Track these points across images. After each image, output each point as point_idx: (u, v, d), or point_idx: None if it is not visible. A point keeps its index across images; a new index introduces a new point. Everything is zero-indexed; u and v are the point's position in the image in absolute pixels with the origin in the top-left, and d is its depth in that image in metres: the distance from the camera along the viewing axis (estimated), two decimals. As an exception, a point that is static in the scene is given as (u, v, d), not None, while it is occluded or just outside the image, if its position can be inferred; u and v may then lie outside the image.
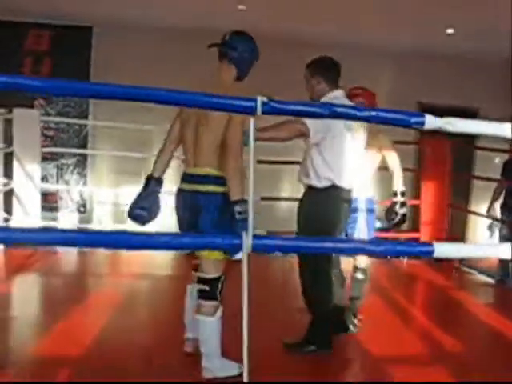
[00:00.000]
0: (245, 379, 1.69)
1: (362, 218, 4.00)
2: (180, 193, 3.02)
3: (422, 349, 3.84)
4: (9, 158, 5.76)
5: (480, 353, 3.83)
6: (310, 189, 3.40)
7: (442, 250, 1.63)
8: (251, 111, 1.56)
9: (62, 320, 3.84)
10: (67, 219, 7.44)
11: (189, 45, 7.24)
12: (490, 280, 5.93)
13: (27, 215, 5.83)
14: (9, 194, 5.82)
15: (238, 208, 2.73)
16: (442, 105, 8.03)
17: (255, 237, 1.58)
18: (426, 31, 6.66)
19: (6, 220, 5.81)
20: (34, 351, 3.35)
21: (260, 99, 1.55)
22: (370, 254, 1.55)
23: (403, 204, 4.05)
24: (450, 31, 6.58)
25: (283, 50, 7.37)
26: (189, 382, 2.93)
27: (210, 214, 2.84)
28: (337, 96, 3.42)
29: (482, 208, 7.14)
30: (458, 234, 7.72)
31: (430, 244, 1.63)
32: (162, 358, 3.25)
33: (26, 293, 4.77)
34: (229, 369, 2.95)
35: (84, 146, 7.35)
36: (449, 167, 6.52)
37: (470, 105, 8.20)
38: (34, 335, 3.73)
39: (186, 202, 2.95)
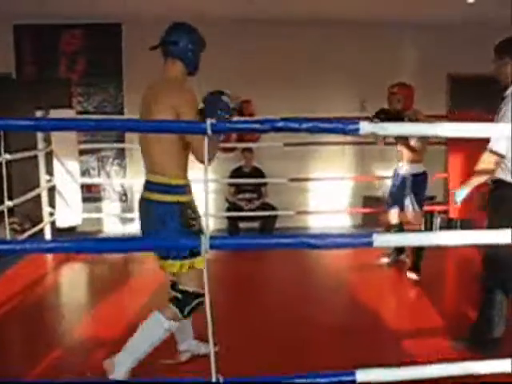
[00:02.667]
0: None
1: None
2: (139, 200, 2.99)
3: (435, 320, 4.00)
4: (49, 156, 6.14)
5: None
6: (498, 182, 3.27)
7: (382, 239, 1.81)
8: (203, 132, 1.77)
9: (105, 303, 4.33)
10: (110, 209, 7.86)
11: (212, 33, 7.47)
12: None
13: (69, 208, 6.23)
14: (51, 190, 6.22)
15: None
16: (471, 74, 7.98)
17: (212, 238, 1.81)
18: (450, 1, 6.63)
19: (51, 214, 6.23)
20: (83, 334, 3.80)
21: (209, 122, 1.76)
22: (313, 247, 1.74)
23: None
24: (470, 0, 6.54)
25: (303, 31, 7.50)
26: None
27: (158, 224, 2.75)
28: None
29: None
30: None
31: (369, 235, 1.82)
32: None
33: (73, 280, 5.24)
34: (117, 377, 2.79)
35: (122, 138, 7.67)
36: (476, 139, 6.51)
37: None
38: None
39: (141, 210, 2.93)
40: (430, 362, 2.21)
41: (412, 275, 4.94)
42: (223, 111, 2.69)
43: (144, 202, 2.88)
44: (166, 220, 2.71)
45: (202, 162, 2.59)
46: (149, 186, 2.86)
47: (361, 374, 1.96)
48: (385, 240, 1.85)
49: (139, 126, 1.87)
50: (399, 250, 5.39)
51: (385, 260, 5.41)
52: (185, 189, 2.82)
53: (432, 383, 2.16)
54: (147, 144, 2.84)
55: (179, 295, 2.82)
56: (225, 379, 2.01)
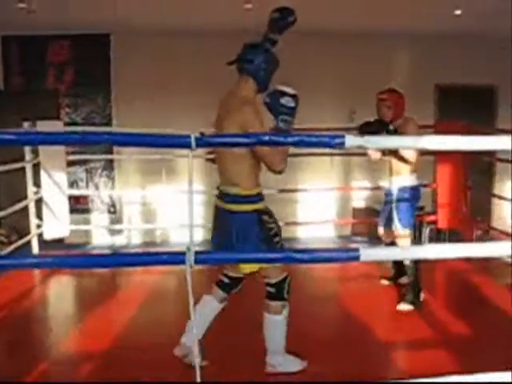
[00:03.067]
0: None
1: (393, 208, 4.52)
2: (214, 211, 3.23)
3: (431, 333, 3.98)
4: (37, 167, 6.10)
5: (492, 337, 3.90)
6: None
7: (368, 253, 1.80)
8: (187, 146, 1.76)
9: (92, 316, 4.28)
10: (99, 220, 7.81)
11: (202, 45, 7.46)
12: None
13: (57, 220, 6.18)
14: (39, 202, 6.16)
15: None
16: (461, 85, 8.04)
17: (197, 253, 1.79)
18: (437, 13, 6.67)
19: (38, 226, 6.18)
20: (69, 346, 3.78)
21: (193, 136, 1.75)
22: (299, 262, 1.73)
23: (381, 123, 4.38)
24: (457, 12, 6.60)
25: (296, 43, 7.49)
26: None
27: (238, 232, 2.99)
28: None
29: (506, 190, 7.24)
30: (482, 216, 7.74)
31: (356, 250, 1.81)
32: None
33: (60, 293, 5.20)
34: (291, 365, 3.22)
35: (110, 150, 7.64)
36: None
37: (489, 83, 8.19)
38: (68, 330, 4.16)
39: (218, 221, 3.17)
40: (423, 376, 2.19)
41: (404, 307, 4.43)
42: (285, 115, 2.90)
43: (221, 213, 3.10)
44: (245, 228, 2.95)
45: (273, 171, 2.91)
46: (225, 197, 3.08)
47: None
48: (371, 254, 1.83)
49: (126, 140, 1.85)
50: (399, 273, 4.89)
51: (385, 282, 5.04)
52: (259, 197, 3.06)
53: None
54: (222, 157, 3.08)
55: (272, 289, 3.08)
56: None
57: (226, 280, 3.31)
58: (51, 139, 1.83)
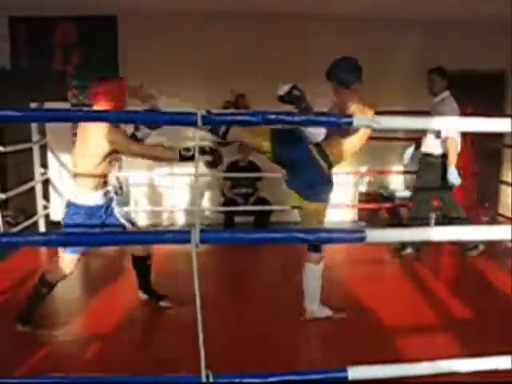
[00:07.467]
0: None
1: None
2: None
3: (433, 316, 3.99)
4: (44, 149, 6.12)
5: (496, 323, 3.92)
6: None
7: (374, 235, 1.79)
8: (193, 123, 1.74)
9: (99, 296, 4.35)
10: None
11: (209, 28, 7.41)
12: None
13: (63, 202, 6.19)
14: (46, 183, 6.19)
15: None
16: (469, 71, 7.94)
17: (202, 231, 1.78)
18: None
19: (45, 207, 6.21)
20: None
21: (199, 113, 1.73)
22: (305, 242, 1.72)
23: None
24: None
25: (301, 25, 7.46)
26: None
27: None
28: (446, 96, 5.66)
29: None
30: (489, 202, 7.72)
31: (362, 231, 1.80)
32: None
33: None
34: (323, 312, 3.92)
35: (117, 132, 7.60)
36: (471, 136, 6.50)
37: (498, 68, 8.10)
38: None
39: None
40: (425, 359, 2.19)
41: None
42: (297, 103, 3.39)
43: None
44: None
45: None
46: None
47: (352, 371, 1.94)
48: (377, 235, 1.83)
49: (130, 117, 1.84)
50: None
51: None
52: None
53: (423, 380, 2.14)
54: None
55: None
56: (214, 376, 1.98)
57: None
58: (54, 116, 1.83)
